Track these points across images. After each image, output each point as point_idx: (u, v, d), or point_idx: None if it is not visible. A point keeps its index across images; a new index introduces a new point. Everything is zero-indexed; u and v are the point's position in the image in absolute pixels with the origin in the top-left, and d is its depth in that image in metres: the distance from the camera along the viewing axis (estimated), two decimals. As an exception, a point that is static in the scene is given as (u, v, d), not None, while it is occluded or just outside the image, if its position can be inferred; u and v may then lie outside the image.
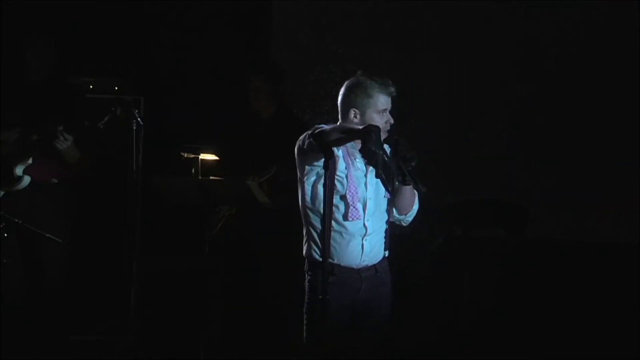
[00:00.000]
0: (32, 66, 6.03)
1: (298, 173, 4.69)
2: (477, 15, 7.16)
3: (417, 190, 4.57)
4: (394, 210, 4.74)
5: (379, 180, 4.63)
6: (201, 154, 6.09)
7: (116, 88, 6.62)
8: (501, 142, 7.14)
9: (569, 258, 6.76)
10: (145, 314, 6.17)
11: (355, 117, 4.63)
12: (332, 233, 4.60)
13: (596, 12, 7.01)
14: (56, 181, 6.03)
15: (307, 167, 4.62)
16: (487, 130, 7.14)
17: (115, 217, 6.47)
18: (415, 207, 4.74)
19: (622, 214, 6.89)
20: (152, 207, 6.23)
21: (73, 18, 7.07)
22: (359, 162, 4.66)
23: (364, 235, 4.66)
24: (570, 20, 7.06)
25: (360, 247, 4.66)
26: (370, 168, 4.59)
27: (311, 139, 4.49)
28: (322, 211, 4.57)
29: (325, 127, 4.54)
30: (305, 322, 4.65)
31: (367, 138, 4.33)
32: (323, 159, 4.48)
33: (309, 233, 4.69)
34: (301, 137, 4.60)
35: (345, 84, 4.68)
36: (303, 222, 4.72)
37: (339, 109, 4.69)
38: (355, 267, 4.67)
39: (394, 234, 4.84)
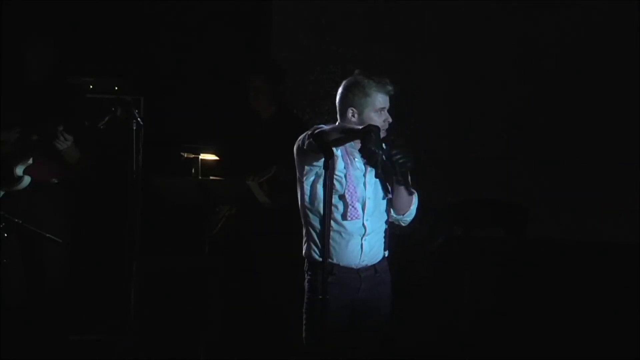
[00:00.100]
0: (32, 66, 6.03)
1: (297, 173, 4.69)
2: (477, 15, 7.16)
3: (407, 191, 4.56)
4: (391, 210, 4.74)
5: (378, 179, 4.64)
6: (201, 154, 6.09)
7: (116, 88, 6.62)
8: (501, 142, 7.14)
9: (569, 258, 6.76)
10: (145, 314, 6.17)
11: (353, 116, 4.63)
12: (332, 233, 4.60)
13: (596, 12, 7.01)
14: (56, 181, 6.03)
15: (306, 167, 4.62)
16: (487, 130, 7.14)
17: (115, 217, 6.47)
18: (413, 207, 4.73)
19: (622, 214, 6.89)
20: (152, 207, 6.23)
21: (73, 18, 7.08)
22: (358, 162, 4.66)
23: (363, 235, 4.66)
24: (570, 20, 7.06)
25: (360, 247, 4.66)
26: (369, 168, 4.59)
27: (311, 139, 4.49)
28: (321, 211, 4.57)
29: (325, 127, 4.54)
30: (304, 322, 4.66)
31: (367, 138, 4.33)
32: (323, 159, 4.48)
33: (308, 233, 4.69)
34: (300, 137, 4.60)
35: (343, 84, 4.68)
36: (302, 222, 4.72)
37: (337, 108, 4.69)
38: (355, 267, 4.67)
39: (394, 234, 4.84)
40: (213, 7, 7.39)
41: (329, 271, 4.56)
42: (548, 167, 7.04)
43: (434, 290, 6.78)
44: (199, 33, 7.40)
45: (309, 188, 4.66)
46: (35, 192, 5.93)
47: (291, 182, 4.87)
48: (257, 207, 5.99)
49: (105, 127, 5.80)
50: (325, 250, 4.53)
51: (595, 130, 6.98)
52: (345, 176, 4.63)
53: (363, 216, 4.65)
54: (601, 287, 6.60)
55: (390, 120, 4.64)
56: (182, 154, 6.10)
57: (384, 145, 4.37)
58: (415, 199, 4.73)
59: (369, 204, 4.66)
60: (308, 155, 4.57)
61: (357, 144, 4.59)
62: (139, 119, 5.87)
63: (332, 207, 4.61)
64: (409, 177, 4.56)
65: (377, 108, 4.61)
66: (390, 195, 4.68)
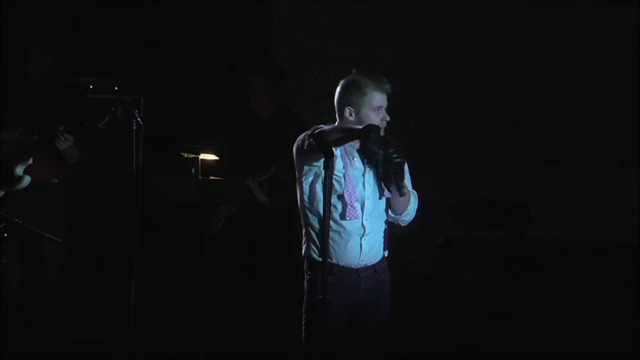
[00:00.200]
0: (32, 66, 6.03)
1: (296, 173, 4.69)
2: (477, 15, 7.16)
3: (399, 192, 4.56)
4: (389, 210, 4.74)
5: (377, 179, 4.64)
6: (201, 154, 6.08)
7: (116, 88, 6.62)
8: (501, 142, 7.14)
9: (569, 258, 6.76)
10: (145, 314, 6.16)
11: (350, 115, 4.63)
12: (331, 233, 4.60)
13: (596, 12, 7.01)
14: (56, 181, 6.04)
15: (305, 167, 4.62)
16: (487, 130, 7.14)
17: (115, 217, 6.47)
18: (411, 207, 4.73)
19: (622, 214, 6.89)
20: (152, 207, 6.23)
21: (73, 18, 7.08)
22: (357, 162, 4.66)
23: (363, 234, 4.66)
24: (570, 20, 7.06)
25: (359, 247, 4.66)
26: (368, 167, 4.60)
27: (311, 139, 4.49)
28: (320, 211, 4.58)
29: (325, 127, 4.54)
30: (304, 322, 4.66)
31: (367, 138, 4.33)
32: (322, 159, 4.48)
33: (307, 233, 4.69)
34: (300, 137, 4.60)
35: (340, 83, 4.69)
36: (302, 222, 4.72)
37: (336, 108, 4.69)
38: (354, 267, 4.67)
39: (394, 234, 4.84)
40: (213, 7, 7.39)
41: (328, 271, 4.56)
42: (548, 167, 7.04)
43: (434, 290, 6.77)
44: (199, 33, 7.40)
45: (308, 188, 4.66)
46: (35, 192, 5.93)
47: (291, 182, 4.87)
48: (257, 207, 5.99)
49: (105, 127, 5.80)
50: (324, 250, 4.53)
51: (595, 130, 6.98)
52: (344, 176, 4.63)
53: (362, 216, 4.65)
54: (601, 287, 6.60)
55: (387, 118, 4.64)
56: (182, 154, 6.10)
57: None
58: (413, 199, 4.73)
59: (368, 204, 4.66)
60: (308, 155, 4.57)
61: (356, 143, 4.60)
62: (139, 119, 5.86)
63: (331, 207, 4.61)
64: (404, 176, 4.55)
65: (374, 106, 4.61)
66: (388, 195, 4.67)
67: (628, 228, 6.80)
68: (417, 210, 4.77)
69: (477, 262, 6.77)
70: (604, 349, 6.32)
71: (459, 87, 7.17)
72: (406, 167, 4.74)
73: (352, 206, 4.62)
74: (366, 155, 4.40)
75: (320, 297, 4.51)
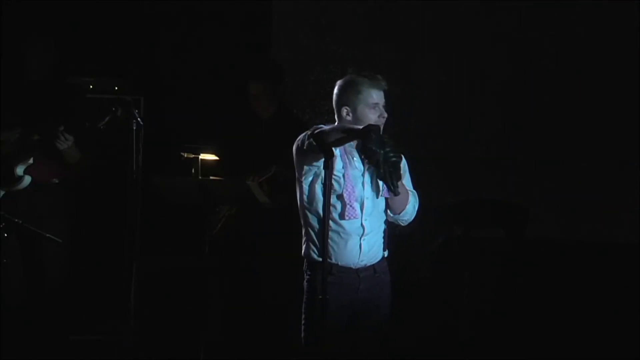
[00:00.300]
0: (32, 66, 6.03)
1: (296, 173, 4.69)
2: (477, 15, 7.16)
3: (393, 192, 4.55)
4: (388, 210, 4.74)
5: (376, 179, 4.63)
6: (201, 154, 6.08)
7: (116, 88, 6.63)
8: (501, 142, 7.14)
9: (569, 258, 6.76)
10: (145, 314, 6.16)
11: (347, 114, 4.64)
12: (330, 233, 4.60)
13: (596, 12, 7.01)
14: (57, 181, 6.04)
15: (305, 167, 4.63)
16: (487, 130, 7.14)
17: (115, 217, 6.47)
18: (410, 206, 4.72)
19: (622, 214, 6.89)
20: (152, 207, 6.23)
21: (73, 18, 7.08)
22: (357, 162, 4.66)
23: (362, 235, 4.66)
24: (570, 20, 7.06)
25: (359, 246, 4.66)
26: (368, 167, 4.59)
27: (311, 140, 4.49)
28: (319, 211, 4.58)
29: (325, 127, 4.55)
30: (303, 322, 4.66)
31: (367, 138, 4.33)
32: (322, 159, 4.48)
33: (307, 233, 4.70)
34: (300, 137, 4.60)
35: (336, 84, 4.70)
36: (302, 222, 4.72)
37: (334, 109, 4.71)
38: (354, 267, 4.67)
39: (394, 234, 4.84)
40: (213, 7, 7.39)
41: (328, 271, 4.56)
42: (548, 167, 7.04)
43: (434, 290, 6.77)
44: (199, 33, 7.40)
45: (307, 188, 4.66)
46: (35, 192, 5.93)
47: (291, 182, 4.87)
48: (257, 207, 5.99)
49: (105, 127, 5.80)
50: (324, 250, 4.53)
51: (595, 130, 6.98)
52: (343, 176, 4.63)
53: (361, 216, 4.65)
54: (601, 287, 6.60)
55: (385, 115, 4.64)
56: (182, 154, 6.10)
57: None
58: (412, 199, 4.73)
59: (367, 204, 4.66)
60: (308, 155, 4.57)
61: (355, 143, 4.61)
62: (139, 119, 5.86)
63: (331, 207, 4.61)
64: (400, 176, 4.54)
65: (370, 104, 4.62)
66: (386, 195, 4.67)
67: (628, 228, 6.80)
68: (418, 210, 4.77)
69: (477, 262, 6.77)
70: (604, 349, 6.32)
71: (459, 87, 7.17)
72: (406, 167, 4.74)
73: (351, 206, 4.62)
74: (366, 156, 4.40)
75: (320, 297, 4.51)
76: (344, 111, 4.65)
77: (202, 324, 5.99)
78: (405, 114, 6.93)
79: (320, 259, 4.56)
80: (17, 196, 5.87)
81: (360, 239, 4.66)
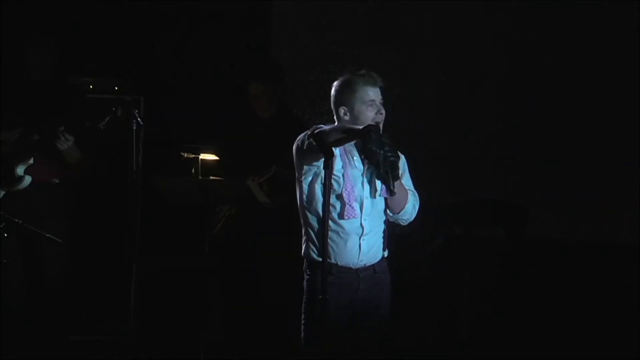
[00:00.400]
0: (32, 66, 6.03)
1: (296, 173, 4.69)
2: (477, 15, 7.16)
3: (389, 191, 4.56)
4: (387, 209, 4.74)
5: (375, 179, 4.64)
6: (201, 154, 6.08)
7: (116, 88, 6.63)
8: (501, 142, 7.14)
9: (569, 258, 6.76)
10: (145, 314, 6.16)
11: (345, 114, 4.65)
12: (330, 232, 4.60)
13: (596, 12, 7.01)
14: (57, 181, 6.04)
15: (305, 167, 4.63)
16: (487, 130, 7.14)
17: (115, 217, 6.47)
18: (409, 206, 4.72)
19: (622, 214, 6.89)
20: (152, 207, 6.23)
21: (73, 18, 7.08)
22: (357, 161, 4.66)
23: (361, 234, 4.66)
24: (570, 20, 7.06)
25: (358, 246, 4.66)
26: (368, 167, 4.59)
27: (311, 140, 4.49)
28: (319, 210, 4.59)
29: (325, 127, 4.55)
30: (303, 322, 4.66)
31: (367, 138, 4.34)
32: (322, 159, 4.48)
33: (307, 233, 4.70)
34: (300, 137, 4.61)
35: (333, 85, 4.71)
36: (302, 222, 4.72)
37: (333, 110, 4.71)
38: (353, 267, 4.67)
39: (394, 234, 4.84)
40: (213, 7, 7.39)
41: (327, 271, 4.56)
42: (548, 167, 7.04)
43: (434, 290, 6.77)
44: (199, 33, 7.40)
45: (307, 187, 4.66)
46: (35, 192, 5.93)
47: (291, 182, 4.87)
48: (257, 207, 5.99)
49: (105, 127, 5.80)
50: (324, 249, 4.53)
51: (595, 130, 6.98)
52: (343, 175, 4.63)
53: (361, 215, 4.65)
54: (601, 287, 6.60)
55: (383, 112, 4.64)
56: (182, 154, 6.10)
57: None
58: (412, 198, 4.73)
59: (366, 204, 4.66)
60: (307, 155, 4.57)
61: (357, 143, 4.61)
62: (139, 119, 5.86)
63: (330, 207, 4.61)
64: (399, 175, 4.54)
65: (367, 102, 4.62)
66: (385, 195, 4.66)
67: (628, 228, 6.80)
68: (418, 210, 4.77)
69: (477, 262, 6.77)
70: (604, 349, 6.32)
71: (459, 87, 7.17)
72: (406, 166, 4.75)
73: (350, 206, 4.62)
74: (366, 156, 4.41)
75: (320, 297, 4.51)
76: (342, 111, 4.66)
77: (202, 324, 5.99)
78: (405, 114, 6.93)
79: (320, 259, 4.57)
80: (17, 196, 5.87)
81: (360, 238, 4.66)
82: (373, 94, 4.64)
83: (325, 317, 4.50)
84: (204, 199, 5.87)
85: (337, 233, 4.64)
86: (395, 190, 4.54)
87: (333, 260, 4.64)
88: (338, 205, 4.63)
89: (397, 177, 4.49)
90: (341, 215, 4.62)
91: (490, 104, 7.14)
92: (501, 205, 6.93)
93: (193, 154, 6.08)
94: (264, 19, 7.41)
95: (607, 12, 6.98)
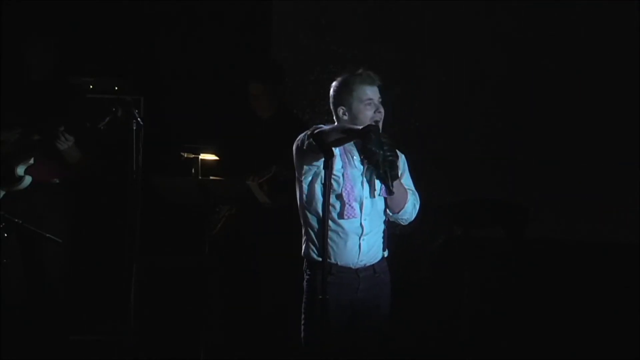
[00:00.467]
0: (32, 66, 6.03)
1: (296, 173, 4.69)
2: (477, 15, 7.16)
3: (387, 191, 4.56)
4: (387, 209, 4.74)
5: (374, 179, 4.64)
6: (201, 154, 6.08)
7: (116, 88, 6.62)
8: (501, 142, 7.14)
9: (569, 258, 6.76)
10: (145, 314, 6.17)
11: (344, 114, 4.65)
12: (330, 232, 4.60)
13: (596, 12, 7.01)
14: (57, 181, 6.04)
15: (305, 167, 4.63)
16: (487, 130, 7.14)
17: (115, 217, 6.47)
18: (409, 205, 4.72)
19: (622, 214, 6.89)
20: (152, 207, 6.23)
21: (73, 18, 7.07)
22: (357, 161, 4.66)
23: (361, 234, 4.66)
24: (570, 20, 7.06)
25: (358, 246, 4.65)
26: (367, 167, 4.59)
27: (310, 140, 4.49)
28: (318, 210, 4.59)
29: (325, 127, 4.55)
30: (303, 321, 4.66)
31: (367, 138, 4.34)
32: (323, 159, 4.48)
33: (307, 233, 4.70)
34: (300, 137, 4.61)
35: (331, 86, 4.71)
36: (301, 222, 4.72)
37: (332, 110, 4.71)
38: (353, 267, 4.67)
39: (394, 234, 4.84)
40: (213, 7, 7.39)
41: (327, 271, 4.56)
42: (548, 167, 7.04)
43: (434, 290, 6.77)
44: (199, 33, 7.40)
45: (306, 187, 4.66)
46: (35, 192, 5.93)
47: (291, 182, 4.87)
48: (257, 207, 5.99)
49: (105, 128, 5.80)
50: (324, 249, 4.53)
51: (595, 130, 6.98)
52: (342, 175, 4.63)
53: (361, 215, 4.65)
54: (601, 287, 6.60)
55: (381, 110, 4.64)
56: (182, 154, 6.10)
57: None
58: (412, 198, 4.72)
59: (366, 203, 4.66)
60: (307, 155, 4.57)
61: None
62: (139, 119, 5.86)
63: (330, 207, 4.61)
64: (398, 174, 4.54)
65: (364, 100, 4.62)
66: (384, 194, 4.66)
67: (628, 228, 6.80)
68: (418, 210, 4.77)
69: (477, 262, 6.77)
70: (604, 349, 6.32)
71: (459, 87, 7.17)
72: (406, 166, 4.75)
73: (350, 205, 4.62)
74: (366, 156, 4.41)
75: (320, 297, 4.51)
76: (340, 111, 4.66)
77: (202, 324, 5.99)
78: (405, 114, 6.93)
79: (320, 259, 4.57)
80: (17, 196, 5.87)
81: (360, 238, 4.66)
82: (371, 92, 4.64)
83: (325, 317, 4.50)
84: (204, 199, 5.87)
85: (337, 233, 4.64)
86: (395, 189, 4.53)
87: (333, 260, 4.64)
88: (338, 205, 4.63)
89: (395, 177, 4.49)
90: (341, 215, 4.62)
91: (490, 104, 7.14)
92: (501, 205, 6.93)
93: (193, 154, 6.08)
94: (264, 19, 7.41)
95: (607, 12, 6.98)
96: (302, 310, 4.67)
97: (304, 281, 4.70)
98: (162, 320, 6.69)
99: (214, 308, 6.43)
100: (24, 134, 5.88)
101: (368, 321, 4.70)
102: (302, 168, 4.64)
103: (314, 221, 4.65)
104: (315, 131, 4.50)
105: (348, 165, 4.65)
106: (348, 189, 4.62)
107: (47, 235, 5.58)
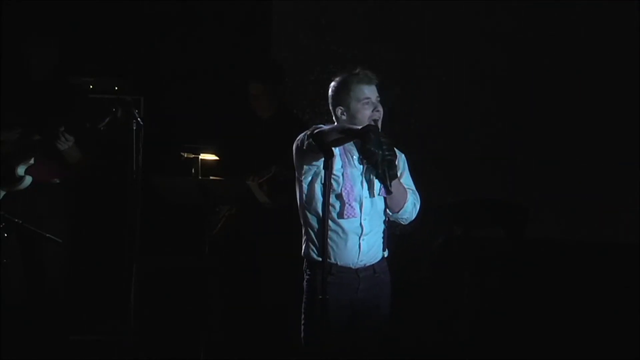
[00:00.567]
0: (33, 66, 6.03)
1: (296, 173, 4.69)
2: (477, 15, 7.16)
3: (386, 190, 4.56)
4: (387, 209, 4.74)
5: (374, 178, 4.64)
6: (201, 154, 6.08)
7: (116, 88, 6.62)
8: (501, 142, 7.14)
9: (569, 258, 6.76)
10: (145, 314, 6.17)
11: (343, 114, 4.65)
12: (330, 232, 4.60)
13: (596, 12, 7.01)
14: (57, 181, 6.04)
15: (305, 167, 4.63)
16: (487, 130, 7.15)
17: (115, 217, 6.47)
18: (409, 205, 4.72)
19: (622, 214, 6.89)
20: (152, 207, 6.23)
21: (73, 18, 7.08)
22: (357, 161, 4.66)
23: (361, 234, 4.65)
24: (570, 20, 7.06)
25: (358, 246, 4.65)
26: (367, 167, 4.60)
27: (310, 140, 4.49)
28: (318, 210, 4.59)
29: (324, 127, 4.55)
30: (303, 321, 4.66)
31: (366, 138, 4.34)
32: (322, 159, 4.48)
33: (307, 233, 4.70)
34: (299, 137, 4.61)
35: (329, 87, 4.71)
36: (301, 221, 4.72)
37: (331, 110, 4.72)
38: (353, 267, 4.67)
39: (394, 234, 4.84)
40: (213, 8, 7.39)
41: (327, 271, 4.56)
42: (548, 167, 7.04)
43: (434, 290, 6.77)
44: (199, 33, 7.40)
45: (306, 187, 4.66)
46: (35, 192, 5.92)
47: (291, 182, 4.87)
48: (257, 207, 5.99)
49: (105, 128, 5.80)
50: (324, 249, 4.53)
51: (595, 130, 6.98)
52: (342, 175, 4.63)
53: (360, 215, 4.64)
54: (601, 287, 6.60)
55: (380, 109, 4.64)
56: (182, 154, 6.10)
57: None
58: (411, 197, 4.72)
59: (366, 203, 4.66)
60: (307, 155, 4.57)
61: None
62: (139, 119, 5.86)
63: (329, 207, 4.61)
64: (397, 174, 4.54)
65: (362, 100, 4.62)
66: (384, 194, 4.66)
67: (628, 228, 6.80)
68: (419, 209, 4.77)
69: (477, 262, 6.77)
70: (604, 349, 6.32)
71: (459, 87, 7.17)
72: (406, 165, 4.75)
73: (350, 205, 4.62)
74: (366, 156, 4.41)
75: (320, 297, 4.51)
76: (339, 111, 4.66)
77: (202, 324, 5.99)
78: (405, 114, 6.93)
79: (320, 259, 4.57)
80: (17, 196, 5.87)
81: (360, 238, 4.66)
82: (368, 91, 4.64)
83: (325, 317, 4.50)
84: (204, 199, 5.87)
85: (337, 233, 4.64)
86: (394, 189, 4.53)
87: (333, 260, 4.64)
88: (337, 204, 4.63)
89: (394, 177, 4.49)
90: (341, 215, 4.62)
91: (490, 104, 7.15)
92: (501, 205, 6.93)
93: (193, 154, 6.08)
94: (264, 19, 7.41)
95: (607, 12, 6.98)
96: (302, 310, 4.67)
97: (304, 281, 4.70)
98: (162, 320, 6.70)
99: (214, 308, 6.43)
100: (24, 134, 5.88)
101: (368, 321, 4.70)
102: (302, 168, 4.64)
103: (313, 221, 4.65)
104: (315, 131, 4.50)
105: (348, 165, 4.65)
106: (348, 188, 4.62)
107: (47, 235, 5.58)
